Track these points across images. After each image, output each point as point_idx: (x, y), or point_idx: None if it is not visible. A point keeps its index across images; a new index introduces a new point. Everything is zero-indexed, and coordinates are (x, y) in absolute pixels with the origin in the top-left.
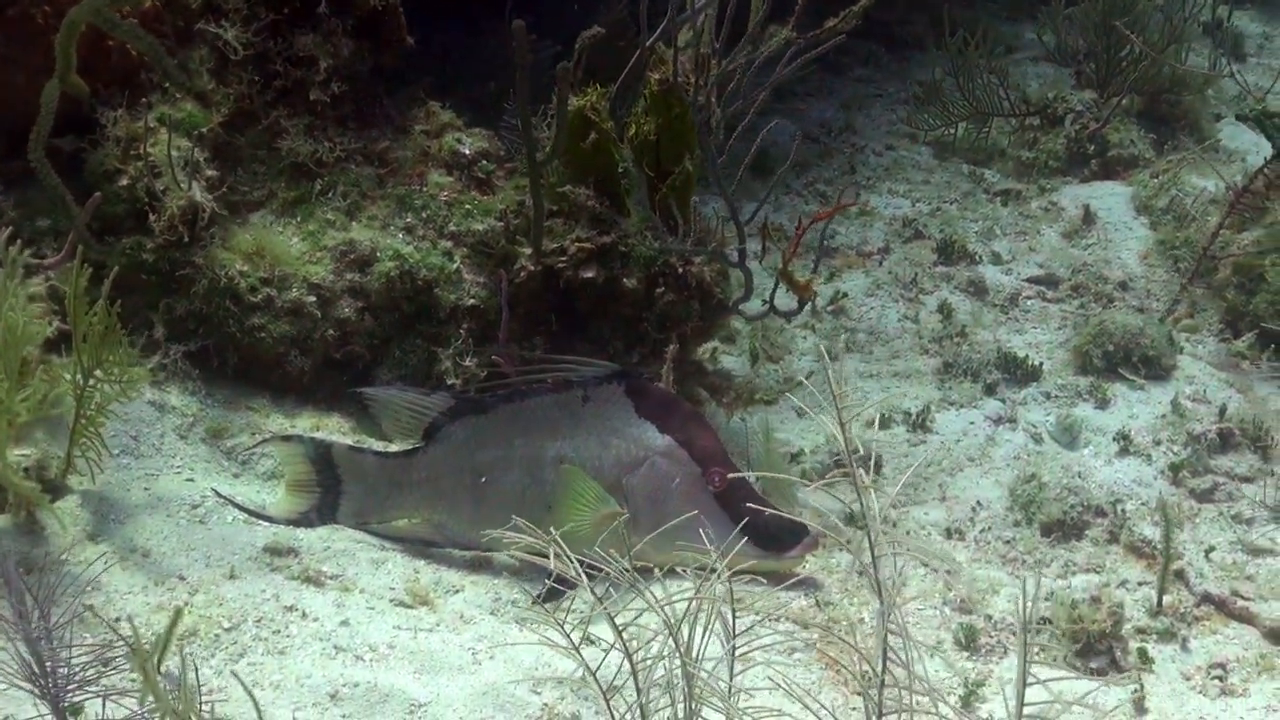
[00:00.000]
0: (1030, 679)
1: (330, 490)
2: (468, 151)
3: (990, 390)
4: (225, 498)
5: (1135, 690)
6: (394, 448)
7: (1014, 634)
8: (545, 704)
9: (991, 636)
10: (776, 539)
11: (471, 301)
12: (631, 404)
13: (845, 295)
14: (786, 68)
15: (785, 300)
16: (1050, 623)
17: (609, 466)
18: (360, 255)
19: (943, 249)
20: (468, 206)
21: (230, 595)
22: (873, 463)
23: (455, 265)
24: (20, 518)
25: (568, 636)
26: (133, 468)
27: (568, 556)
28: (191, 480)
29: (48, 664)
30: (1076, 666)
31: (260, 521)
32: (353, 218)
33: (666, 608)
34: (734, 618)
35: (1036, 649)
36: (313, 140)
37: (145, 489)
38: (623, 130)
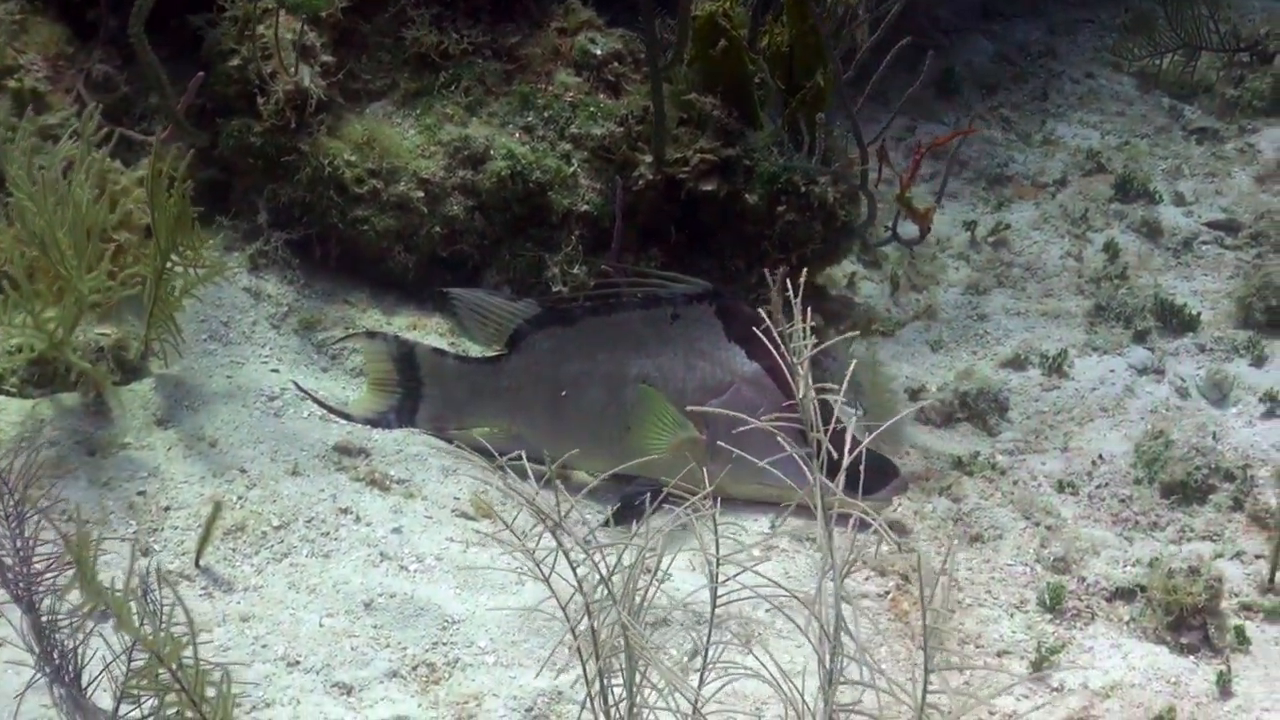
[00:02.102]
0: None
1: (411, 392)
2: (599, 52)
3: (1140, 338)
4: (306, 392)
5: (1221, 671)
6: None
7: (1106, 599)
8: (584, 630)
9: (1081, 600)
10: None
11: (585, 207)
12: (721, 326)
13: (1008, 226)
14: None
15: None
16: (1145, 591)
17: (692, 390)
18: (474, 152)
19: (1121, 185)
20: (592, 109)
21: (287, 492)
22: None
23: (572, 169)
24: (89, 398)
25: (538, 566)
26: (218, 354)
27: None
28: (276, 371)
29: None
30: (1166, 641)
31: (338, 419)
32: (473, 113)
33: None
34: (717, 564)
35: (1126, 618)
36: (439, 31)
37: (228, 377)
38: (756, 39)
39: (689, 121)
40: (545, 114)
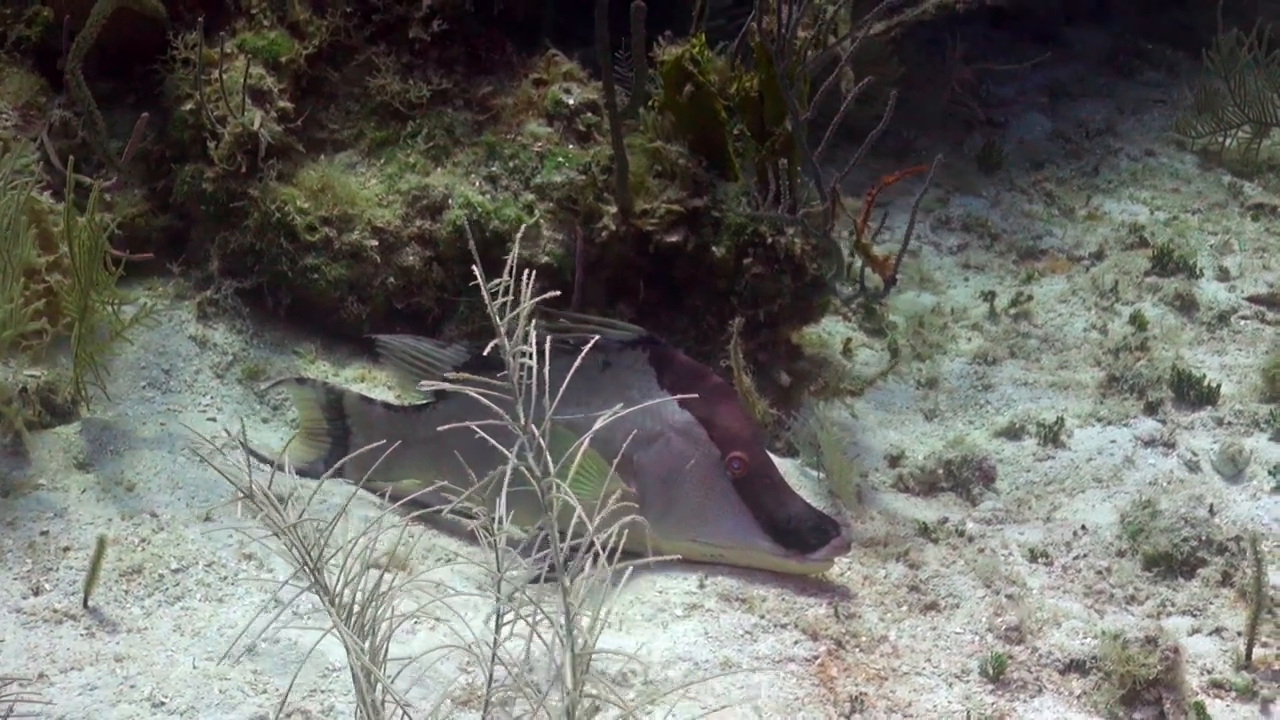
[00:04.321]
0: None
1: (339, 441)
2: (572, 102)
3: (1152, 409)
4: (237, 439)
5: None
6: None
7: (1059, 671)
8: (469, 684)
9: (1029, 671)
10: (800, 537)
11: (546, 259)
12: (654, 373)
13: (1030, 298)
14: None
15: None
16: (1098, 662)
17: (621, 440)
18: (432, 201)
19: (1160, 258)
20: (559, 159)
21: (192, 537)
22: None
23: (534, 219)
24: (6, 439)
25: (306, 557)
26: (156, 401)
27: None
28: (213, 420)
29: None
30: (1118, 716)
31: (266, 467)
32: (438, 163)
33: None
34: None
35: (1078, 692)
36: (403, 79)
37: (161, 424)
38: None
39: (664, 172)
40: (511, 164)
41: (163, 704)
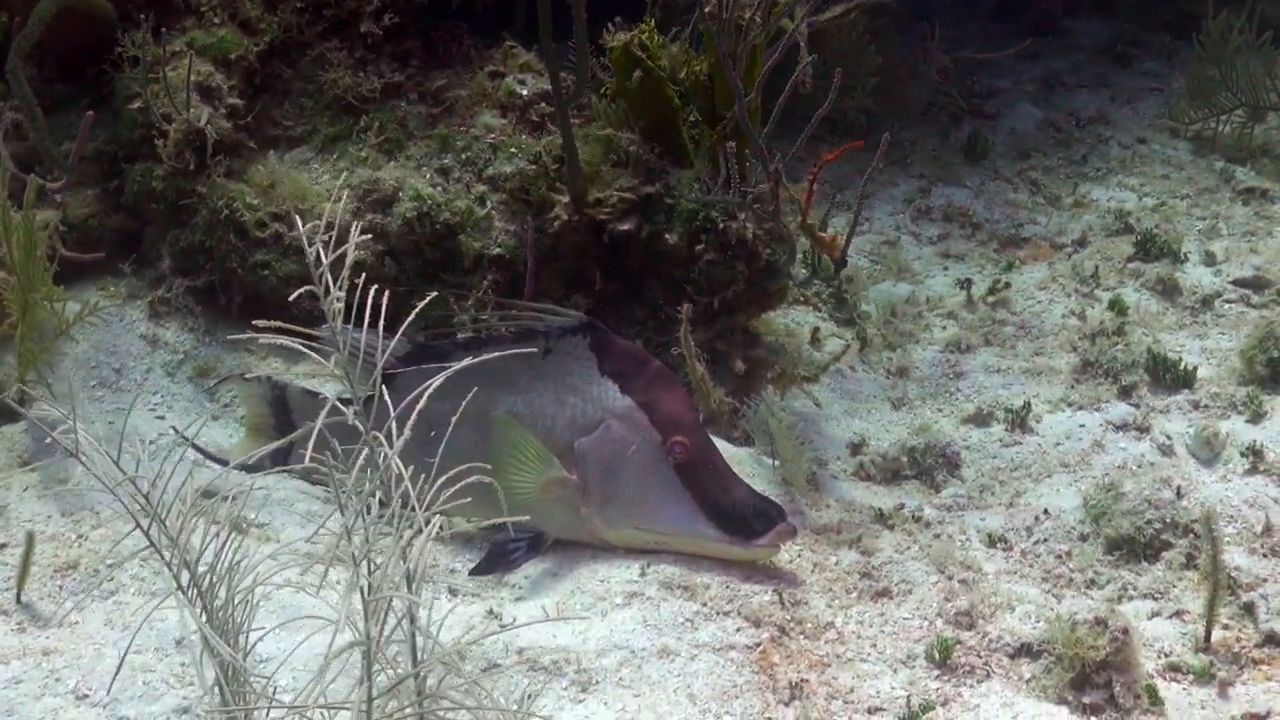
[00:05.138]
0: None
1: (285, 435)
2: (525, 92)
3: (1126, 393)
4: (183, 436)
5: None
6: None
7: (1009, 656)
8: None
9: (978, 656)
10: (744, 523)
11: (498, 250)
12: (595, 359)
13: (1007, 285)
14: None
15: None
16: (1048, 646)
17: (562, 428)
18: (383, 195)
19: (1143, 244)
20: (512, 149)
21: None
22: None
23: (486, 211)
24: None
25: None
26: (105, 400)
27: None
28: (162, 418)
29: None
30: (1067, 700)
31: (213, 464)
32: (391, 157)
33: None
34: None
35: (1027, 676)
36: (355, 74)
37: (109, 423)
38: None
39: (620, 161)
40: (463, 155)
41: (86, 696)
